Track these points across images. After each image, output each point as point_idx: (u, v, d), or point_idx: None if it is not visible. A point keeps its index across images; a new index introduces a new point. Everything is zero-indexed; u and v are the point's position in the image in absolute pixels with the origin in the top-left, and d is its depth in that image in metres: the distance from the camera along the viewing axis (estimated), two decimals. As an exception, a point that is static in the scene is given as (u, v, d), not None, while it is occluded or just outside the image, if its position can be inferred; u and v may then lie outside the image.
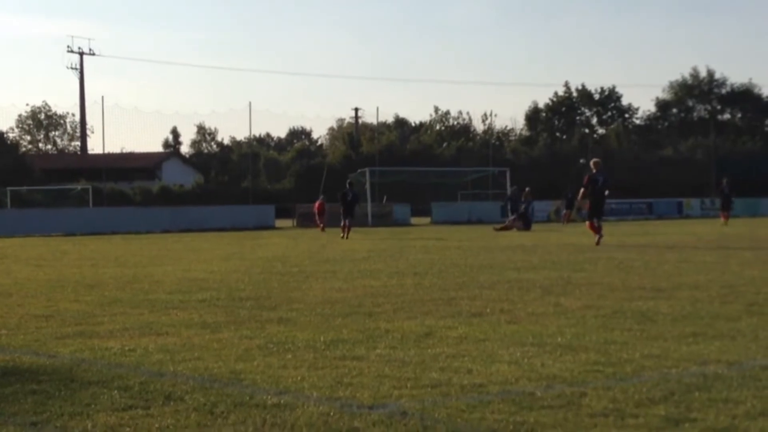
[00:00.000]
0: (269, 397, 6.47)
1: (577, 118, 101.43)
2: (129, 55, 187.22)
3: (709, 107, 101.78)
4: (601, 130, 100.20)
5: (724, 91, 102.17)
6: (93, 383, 7.04)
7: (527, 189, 54.10)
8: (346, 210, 35.45)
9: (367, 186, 56.46)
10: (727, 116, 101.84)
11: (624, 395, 6.33)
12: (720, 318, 9.97)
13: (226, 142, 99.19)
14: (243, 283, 15.31)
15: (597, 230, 25.62)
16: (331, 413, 5.99)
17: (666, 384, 6.65)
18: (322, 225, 43.76)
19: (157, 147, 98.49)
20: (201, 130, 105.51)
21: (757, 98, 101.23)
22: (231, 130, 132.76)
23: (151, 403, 6.33)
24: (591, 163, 26.63)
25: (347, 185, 37.34)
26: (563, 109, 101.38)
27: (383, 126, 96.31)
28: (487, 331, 9.38)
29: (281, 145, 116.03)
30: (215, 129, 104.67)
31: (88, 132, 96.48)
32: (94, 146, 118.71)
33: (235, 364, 7.78)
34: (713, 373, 6.99)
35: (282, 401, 6.33)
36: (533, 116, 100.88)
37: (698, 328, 9.23)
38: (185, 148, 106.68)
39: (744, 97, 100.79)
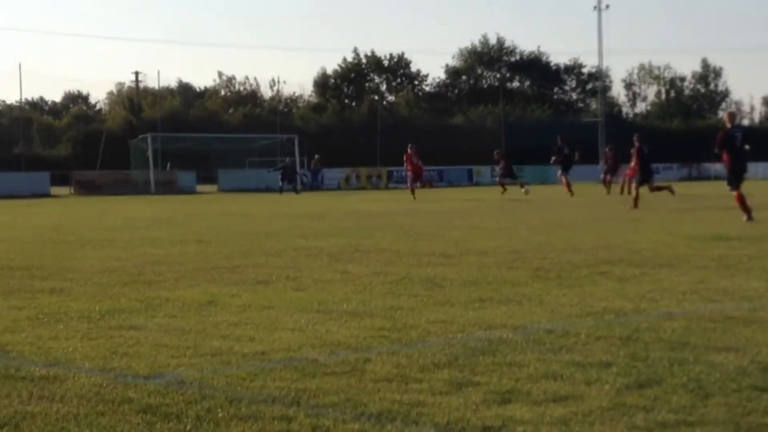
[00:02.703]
0: (37, 369, 6.18)
1: (367, 84, 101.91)
2: None
3: (498, 75, 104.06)
4: (391, 97, 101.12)
5: (513, 59, 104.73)
6: None
7: (317, 156, 54.27)
8: None
9: (150, 153, 55.22)
10: (516, 84, 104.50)
11: (408, 360, 6.26)
12: (507, 283, 10.01)
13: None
14: (13, 252, 14.58)
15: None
16: (104, 384, 5.77)
17: (451, 349, 6.60)
18: None
19: None
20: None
21: (546, 66, 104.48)
22: None
23: None
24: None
25: None
26: (352, 75, 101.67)
27: (166, 91, 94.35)
28: (272, 299, 9.17)
29: (56, 109, 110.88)
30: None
31: None
32: None
33: (2, 336, 7.38)
34: (498, 338, 6.99)
35: (51, 373, 6.06)
36: (322, 82, 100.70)
37: (485, 294, 9.23)
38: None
39: (533, 65, 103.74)
